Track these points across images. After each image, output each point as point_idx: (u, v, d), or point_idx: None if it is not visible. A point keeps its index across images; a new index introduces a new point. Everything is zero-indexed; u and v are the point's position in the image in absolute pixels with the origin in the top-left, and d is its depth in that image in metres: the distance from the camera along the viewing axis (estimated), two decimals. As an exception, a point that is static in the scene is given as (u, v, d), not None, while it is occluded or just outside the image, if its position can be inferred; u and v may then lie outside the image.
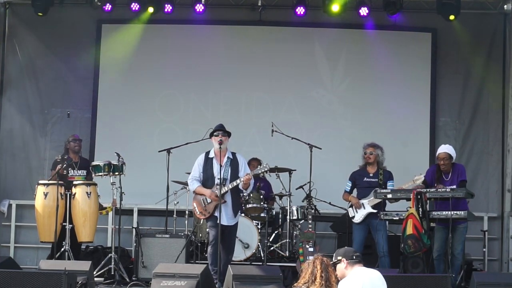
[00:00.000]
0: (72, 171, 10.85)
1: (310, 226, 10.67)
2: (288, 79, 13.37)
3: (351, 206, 10.72)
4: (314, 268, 6.49)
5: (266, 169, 9.99)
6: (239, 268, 9.45)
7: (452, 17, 12.24)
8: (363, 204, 10.58)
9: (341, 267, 6.72)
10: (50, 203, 10.44)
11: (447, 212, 9.94)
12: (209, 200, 9.82)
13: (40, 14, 12.40)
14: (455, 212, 9.98)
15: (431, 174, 10.43)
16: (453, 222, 10.00)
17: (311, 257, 10.29)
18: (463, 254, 10.41)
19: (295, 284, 6.59)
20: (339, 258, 6.73)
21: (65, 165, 10.68)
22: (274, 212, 11.91)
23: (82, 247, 11.21)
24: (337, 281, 6.54)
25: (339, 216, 11.73)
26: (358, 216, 10.58)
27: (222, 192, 9.65)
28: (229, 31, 13.46)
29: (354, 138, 12.69)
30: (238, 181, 9.72)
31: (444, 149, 10.43)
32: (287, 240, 11.69)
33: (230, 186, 9.73)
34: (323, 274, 6.43)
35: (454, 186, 10.12)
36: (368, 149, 10.75)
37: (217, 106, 13.36)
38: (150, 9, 12.58)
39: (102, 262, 10.58)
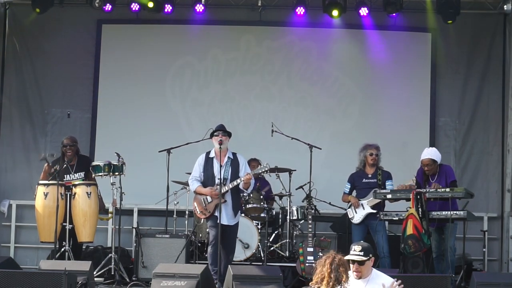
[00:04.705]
0: (68, 175, 10.77)
1: (310, 226, 10.67)
2: (288, 79, 13.38)
3: (350, 206, 10.71)
4: (323, 267, 6.48)
5: (266, 169, 10.00)
6: (239, 268, 9.46)
7: (450, 21, 12.26)
8: (362, 204, 10.57)
9: (370, 265, 6.76)
10: (50, 203, 10.41)
11: (447, 212, 9.95)
12: (209, 200, 9.83)
13: (38, 10, 12.31)
14: (455, 212, 10.00)
15: (421, 175, 10.45)
16: (442, 221, 10.02)
17: (309, 256, 10.37)
18: (463, 253, 10.42)
19: (310, 284, 6.60)
20: (371, 255, 6.77)
21: (54, 170, 10.59)
22: (274, 212, 11.91)
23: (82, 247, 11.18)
24: (347, 280, 6.52)
25: (339, 216, 11.73)
26: (357, 216, 10.57)
27: (222, 191, 9.66)
28: (229, 31, 13.47)
29: (354, 138, 12.68)
30: (238, 180, 9.73)
31: (427, 154, 10.37)
32: (287, 240, 11.69)
33: (231, 186, 9.74)
34: (332, 275, 6.42)
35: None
36: (373, 150, 10.70)
37: (217, 105, 13.37)
38: (150, 4, 12.50)
39: (102, 262, 10.57)
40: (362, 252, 6.75)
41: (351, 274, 6.83)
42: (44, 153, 10.81)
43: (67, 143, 10.82)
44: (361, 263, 6.75)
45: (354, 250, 6.80)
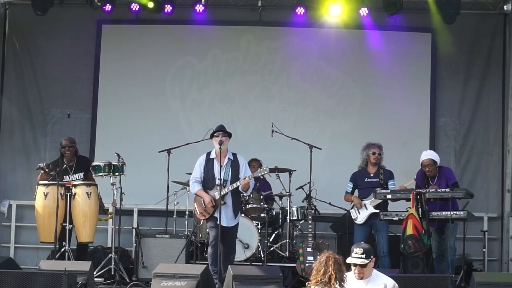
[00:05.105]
0: (67, 176, 10.74)
1: (310, 226, 10.67)
2: (288, 79, 13.38)
3: (353, 207, 10.70)
4: (327, 268, 6.46)
5: (265, 172, 10.00)
6: (239, 268, 9.45)
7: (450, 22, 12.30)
8: (365, 204, 10.56)
9: (371, 266, 6.77)
10: (50, 203, 10.39)
11: (447, 213, 9.96)
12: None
13: (40, 13, 12.39)
14: (455, 212, 10.00)
15: (420, 178, 10.45)
16: (442, 221, 10.04)
17: (309, 257, 10.36)
18: (463, 253, 10.42)
19: (307, 284, 6.58)
20: (372, 257, 6.77)
21: (51, 171, 10.55)
22: (274, 213, 11.91)
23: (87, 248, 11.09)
24: (345, 280, 6.53)
25: (339, 217, 11.73)
26: (361, 217, 10.56)
27: (222, 194, 9.65)
28: (229, 31, 13.47)
29: (354, 138, 12.69)
30: (238, 183, 9.72)
31: (428, 155, 10.42)
32: (287, 240, 11.69)
33: (230, 188, 9.72)
34: (337, 275, 6.41)
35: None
36: (376, 149, 10.68)
37: (216, 105, 13.37)
38: (150, 4, 12.51)
39: (102, 263, 10.57)
40: (364, 255, 6.74)
41: (352, 274, 6.83)
42: (41, 164, 10.75)
43: (65, 144, 10.79)
44: (363, 265, 6.75)
45: (356, 253, 6.78)
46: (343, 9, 12.32)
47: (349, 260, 6.78)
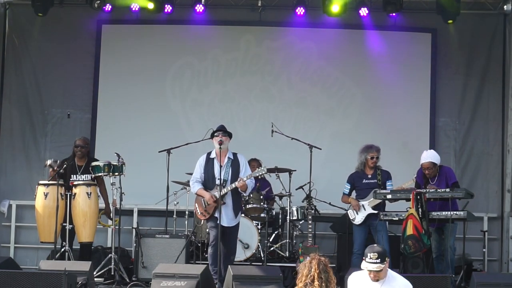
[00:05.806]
0: (74, 176, 10.75)
1: (310, 226, 10.67)
2: (288, 79, 13.38)
3: (351, 207, 10.70)
4: (310, 269, 6.44)
5: (263, 172, 9.98)
6: (239, 268, 9.46)
7: (450, 21, 12.30)
8: (363, 205, 10.57)
9: (386, 267, 6.73)
10: (50, 203, 10.40)
11: (446, 213, 9.96)
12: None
13: (40, 14, 12.43)
14: (455, 212, 10.01)
15: (421, 177, 10.45)
16: (442, 221, 10.04)
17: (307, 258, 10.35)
18: (463, 253, 10.42)
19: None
20: (387, 258, 6.74)
21: (60, 169, 10.53)
22: (274, 213, 11.91)
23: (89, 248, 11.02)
24: (335, 282, 6.51)
25: (339, 217, 11.72)
26: (359, 217, 10.56)
27: (221, 194, 9.65)
28: (229, 31, 13.47)
29: (354, 138, 12.69)
30: (236, 183, 9.71)
31: (427, 158, 10.38)
32: (287, 240, 11.69)
33: (229, 188, 9.72)
34: (322, 276, 6.39)
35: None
36: (374, 153, 10.67)
37: (216, 106, 13.37)
38: (150, 5, 12.51)
39: (102, 263, 10.57)
40: (379, 259, 6.66)
41: (362, 274, 6.79)
42: (48, 160, 10.77)
43: (79, 144, 10.82)
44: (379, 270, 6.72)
45: (370, 258, 6.70)
46: (343, 9, 12.30)
47: (363, 265, 6.73)
